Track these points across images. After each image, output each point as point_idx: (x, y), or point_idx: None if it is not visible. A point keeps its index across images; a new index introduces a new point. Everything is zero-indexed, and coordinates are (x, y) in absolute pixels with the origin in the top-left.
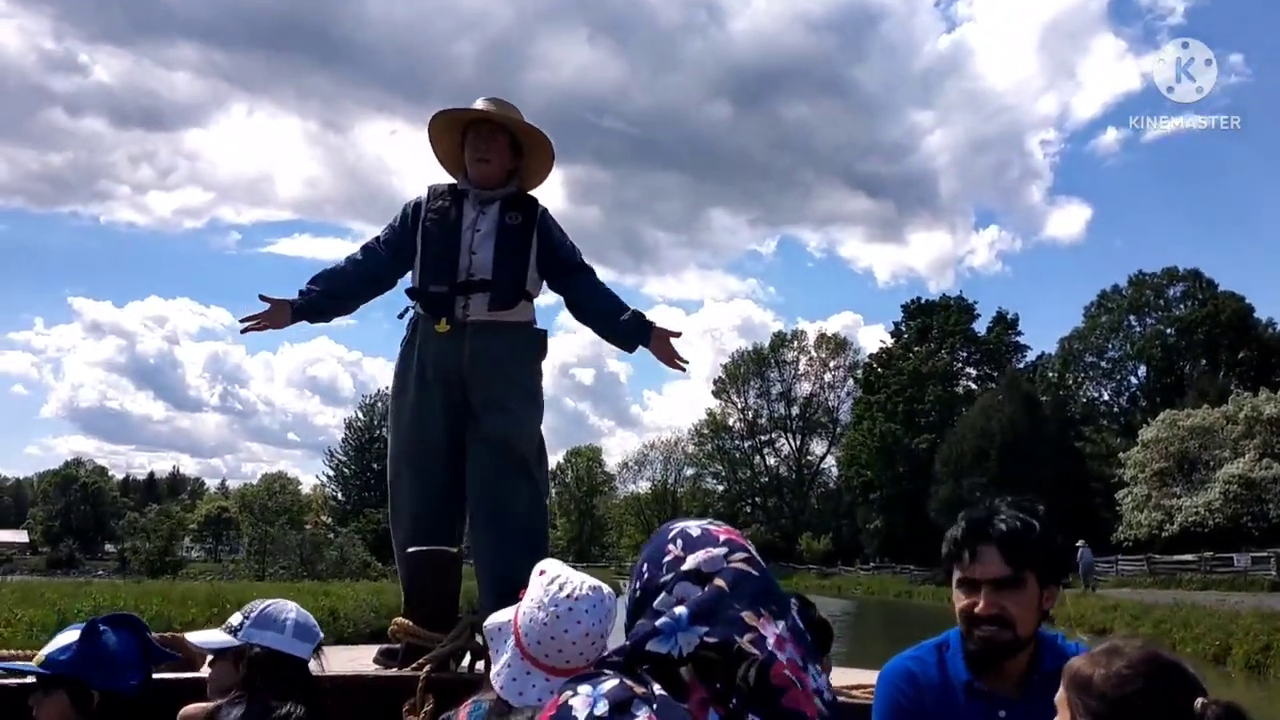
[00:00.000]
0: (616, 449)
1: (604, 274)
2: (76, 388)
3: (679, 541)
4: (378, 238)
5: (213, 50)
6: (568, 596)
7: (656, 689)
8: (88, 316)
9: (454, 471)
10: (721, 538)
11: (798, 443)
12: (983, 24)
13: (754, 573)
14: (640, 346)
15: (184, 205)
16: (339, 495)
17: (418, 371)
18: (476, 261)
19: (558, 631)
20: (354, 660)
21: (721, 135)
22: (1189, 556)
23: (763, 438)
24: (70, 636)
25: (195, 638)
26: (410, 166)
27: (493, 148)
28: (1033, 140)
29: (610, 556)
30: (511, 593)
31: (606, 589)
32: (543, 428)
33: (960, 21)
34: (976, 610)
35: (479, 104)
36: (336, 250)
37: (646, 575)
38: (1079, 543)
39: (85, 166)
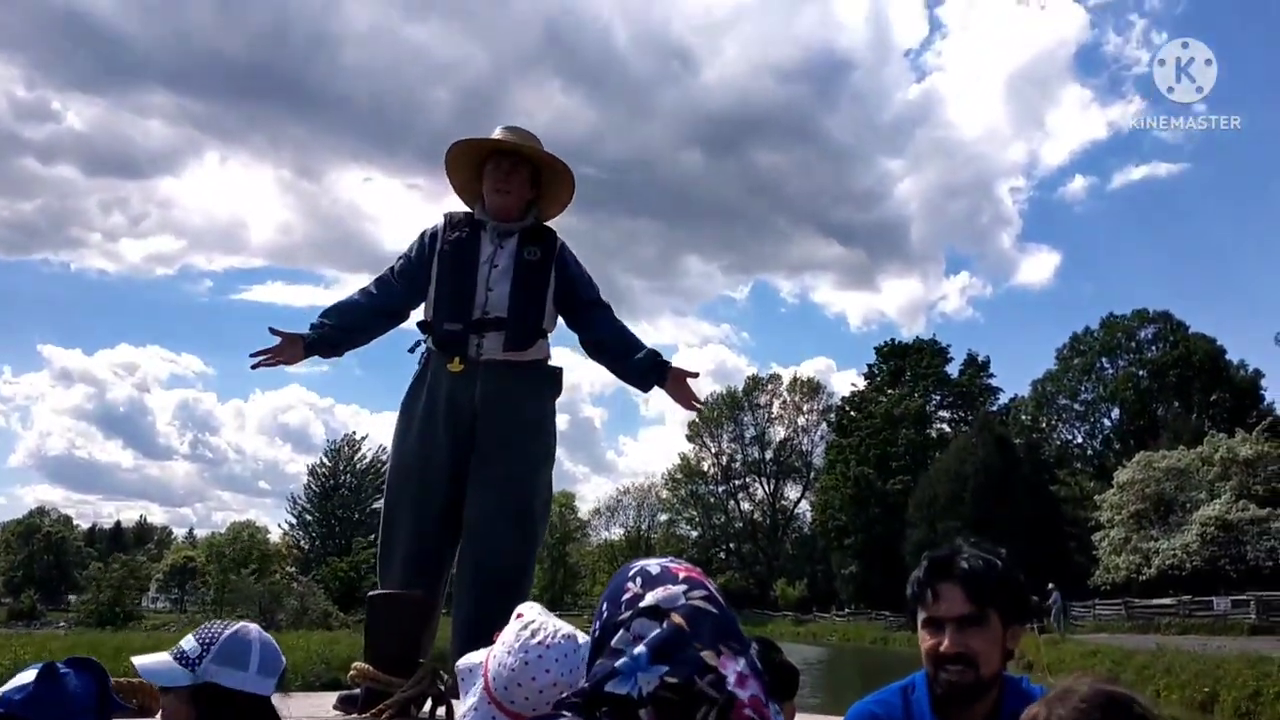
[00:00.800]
0: (591, 495)
1: None
2: (44, 436)
3: (638, 579)
4: (392, 268)
5: (186, 98)
6: (539, 643)
7: None
8: (57, 364)
9: (453, 514)
10: (681, 575)
11: (771, 487)
12: (952, 74)
13: (712, 610)
14: (656, 386)
15: (156, 252)
16: (302, 543)
17: (426, 409)
18: (492, 299)
19: (525, 678)
20: (314, 707)
21: (695, 183)
22: (1167, 600)
23: (736, 482)
24: (27, 676)
25: (141, 662)
26: (384, 213)
27: (512, 179)
28: (1002, 187)
29: (584, 605)
30: (480, 639)
31: (582, 638)
32: None
33: (930, 71)
34: (941, 649)
35: (498, 133)
36: (310, 297)
37: (606, 614)
38: (1050, 586)
39: (56, 214)
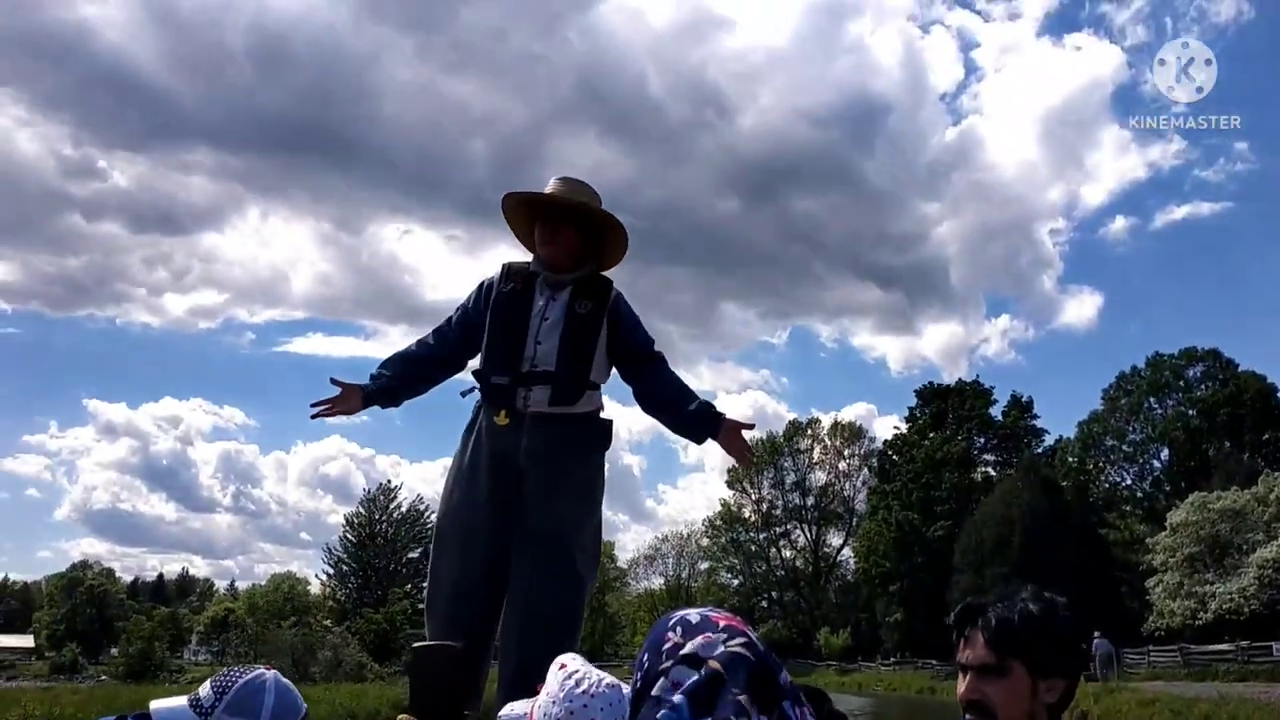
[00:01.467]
0: (631, 543)
1: None
2: (89, 490)
3: (679, 629)
4: (450, 318)
5: (227, 154)
6: (584, 692)
7: None
8: (102, 418)
9: (497, 564)
10: (721, 624)
11: (813, 534)
12: (989, 116)
13: (750, 656)
14: (710, 439)
15: (198, 306)
16: (338, 595)
17: (472, 461)
18: (541, 352)
19: None
20: None
21: (731, 229)
22: (1225, 646)
23: (778, 529)
24: None
25: (156, 707)
26: (423, 265)
27: (561, 231)
28: (1042, 229)
29: (624, 655)
30: (527, 690)
31: (625, 688)
32: None
33: (967, 114)
34: (961, 695)
35: (551, 185)
36: (350, 349)
37: (647, 665)
38: (1095, 634)
39: (101, 270)
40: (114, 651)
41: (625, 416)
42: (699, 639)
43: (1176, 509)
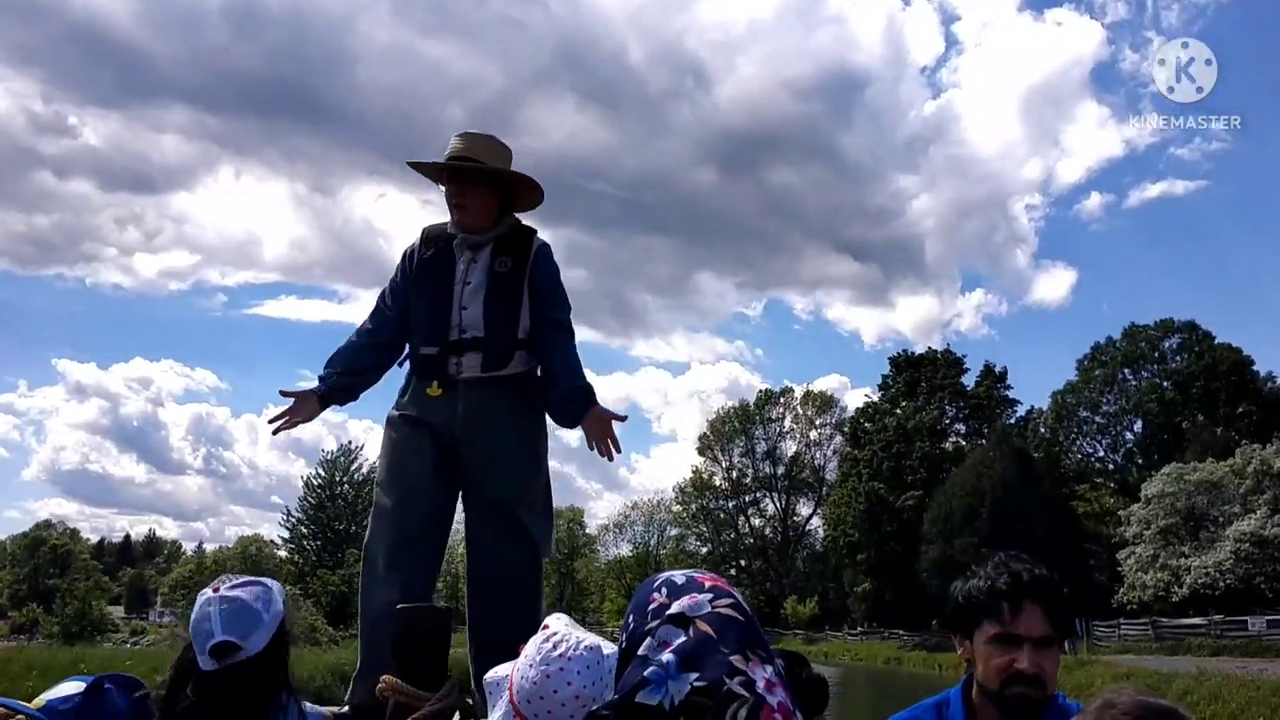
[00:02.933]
0: (603, 512)
1: (591, 336)
2: (59, 450)
3: (664, 589)
4: (383, 295)
5: (202, 113)
6: (560, 655)
7: None
8: (71, 378)
9: (434, 520)
10: (707, 584)
11: (783, 503)
12: (968, 91)
13: (739, 618)
14: (576, 424)
15: (170, 267)
16: (295, 558)
17: (408, 428)
18: (467, 318)
19: (548, 691)
20: None
21: (709, 200)
22: (1198, 620)
23: (747, 498)
24: (73, 687)
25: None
26: (398, 229)
27: (469, 192)
28: (1017, 205)
29: (591, 621)
30: (499, 652)
31: (607, 648)
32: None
33: (945, 88)
34: (1019, 667)
35: (452, 144)
36: (323, 312)
37: (633, 625)
38: None
39: (72, 229)
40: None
41: (599, 385)
42: (685, 599)
43: (1152, 480)
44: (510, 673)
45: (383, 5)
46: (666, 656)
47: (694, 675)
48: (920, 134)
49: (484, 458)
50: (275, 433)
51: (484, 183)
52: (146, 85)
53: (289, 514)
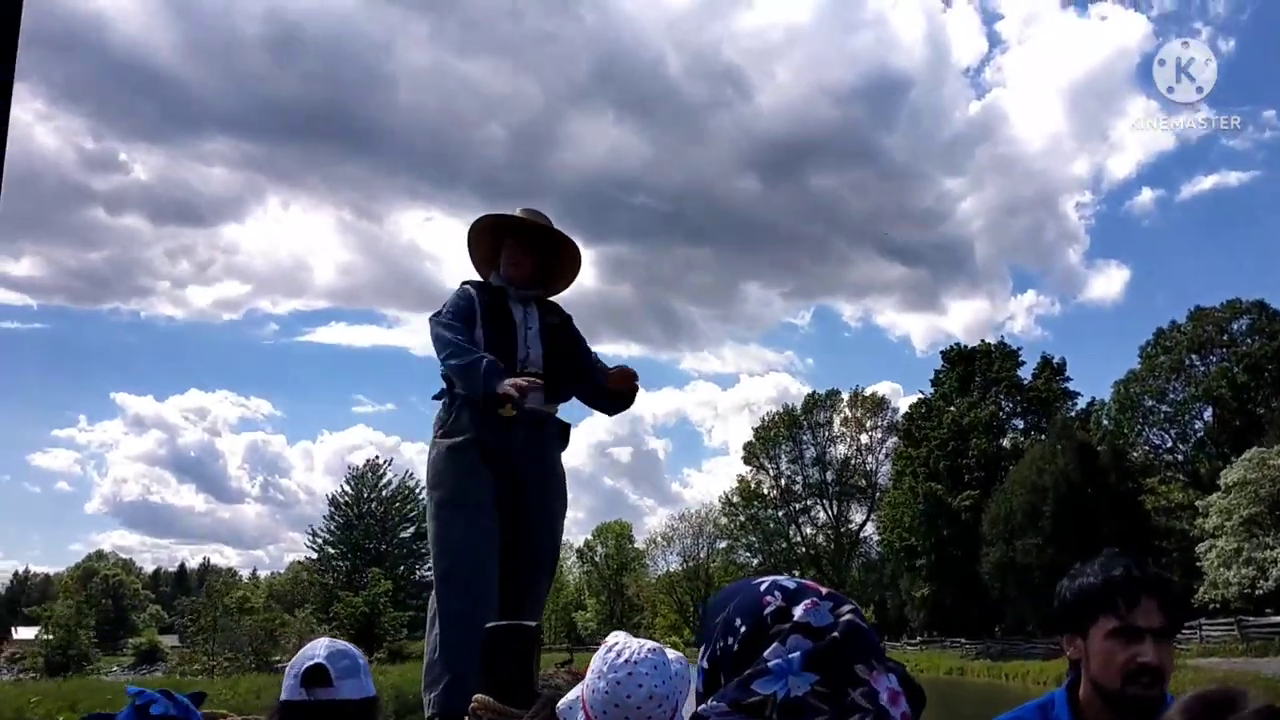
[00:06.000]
0: (656, 528)
1: (639, 350)
2: (120, 483)
3: (776, 593)
4: (447, 323)
5: (246, 143)
6: (625, 662)
7: None
8: (130, 411)
9: (493, 536)
10: (824, 591)
11: (835, 510)
12: (1013, 89)
13: (863, 625)
14: (607, 395)
15: (222, 298)
16: (328, 578)
17: (474, 454)
18: (531, 356)
19: (620, 697)
20: None
21: (752, 208)
22: None
23: (797, 506)
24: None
25: None
26: (444, 251)
27: (527, 254)
28: (1067, 203)
29: (643, 638)
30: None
31: (672, 653)
32: (582, 508)
33: (989, 87)
34: (1142, 660)
35: (519, 212)
36: (372, 337)
37: (743, 630)
38: None
39: (124, 263)
40: (130, 642)
41: (648, 401)
42: (806, 604)
43: (1232, 467)
44: (580, 693)
45: (420, 27)
46: (793, 655)
47: (816, 677)
48: (965, 134)
49: (539, 490)
50: (513, 411)
51: (532, 251)
52: (189, 117)
53: (314, 534)
